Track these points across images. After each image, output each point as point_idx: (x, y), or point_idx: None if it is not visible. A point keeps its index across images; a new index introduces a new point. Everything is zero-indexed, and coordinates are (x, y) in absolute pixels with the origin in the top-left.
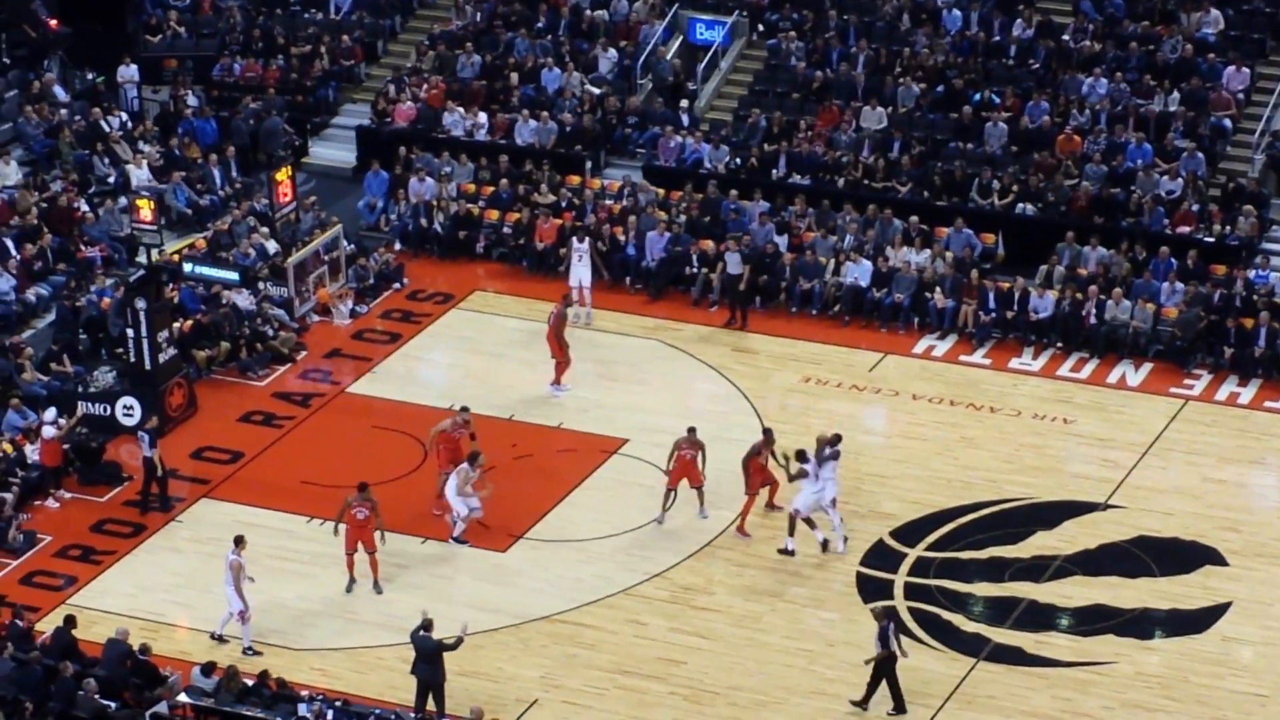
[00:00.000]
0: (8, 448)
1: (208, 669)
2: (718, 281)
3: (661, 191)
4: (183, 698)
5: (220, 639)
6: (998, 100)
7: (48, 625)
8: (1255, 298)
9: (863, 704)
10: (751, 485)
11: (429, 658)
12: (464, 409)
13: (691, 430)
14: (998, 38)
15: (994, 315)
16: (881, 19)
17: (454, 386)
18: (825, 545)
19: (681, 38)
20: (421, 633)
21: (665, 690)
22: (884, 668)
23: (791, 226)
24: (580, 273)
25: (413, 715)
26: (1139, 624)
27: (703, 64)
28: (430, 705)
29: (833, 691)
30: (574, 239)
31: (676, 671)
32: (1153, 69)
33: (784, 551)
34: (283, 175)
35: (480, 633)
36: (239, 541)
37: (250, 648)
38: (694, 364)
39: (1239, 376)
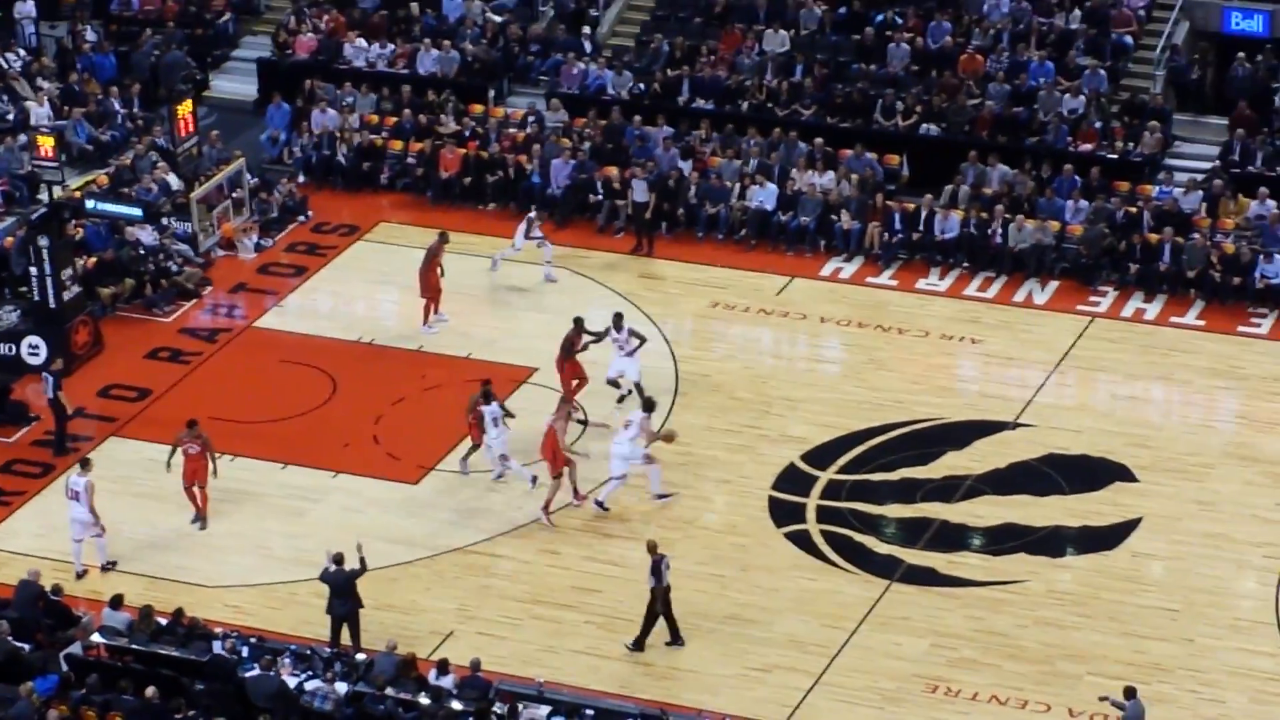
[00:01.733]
0: None
1: (116, 601)
2: (625, 209)
3: (566, 117)
4: (96, 638)
5: (112, 565)
6: (900, 21)
7: None
8: (1159, 213)
9: (638, 645)
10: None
11: (342, 591)
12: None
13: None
14: None
15: (900, 236)
16: None
17: (361, 319)
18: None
19: None
20: (333, 568)
21: (580, 619)
22: (659, 603)
23: (696, 151)
24: (623, 365)
25: (328, 650)
26: (1050, 542)
27: None
28: (345, 640)
29: (747, 616)
30: (612, 329)
31: (590, 600)
32: None
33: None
34: (184, 109)
35: (393, 565)
36: (85, 464)
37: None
38: (601, 291)
39: (1144, 293)
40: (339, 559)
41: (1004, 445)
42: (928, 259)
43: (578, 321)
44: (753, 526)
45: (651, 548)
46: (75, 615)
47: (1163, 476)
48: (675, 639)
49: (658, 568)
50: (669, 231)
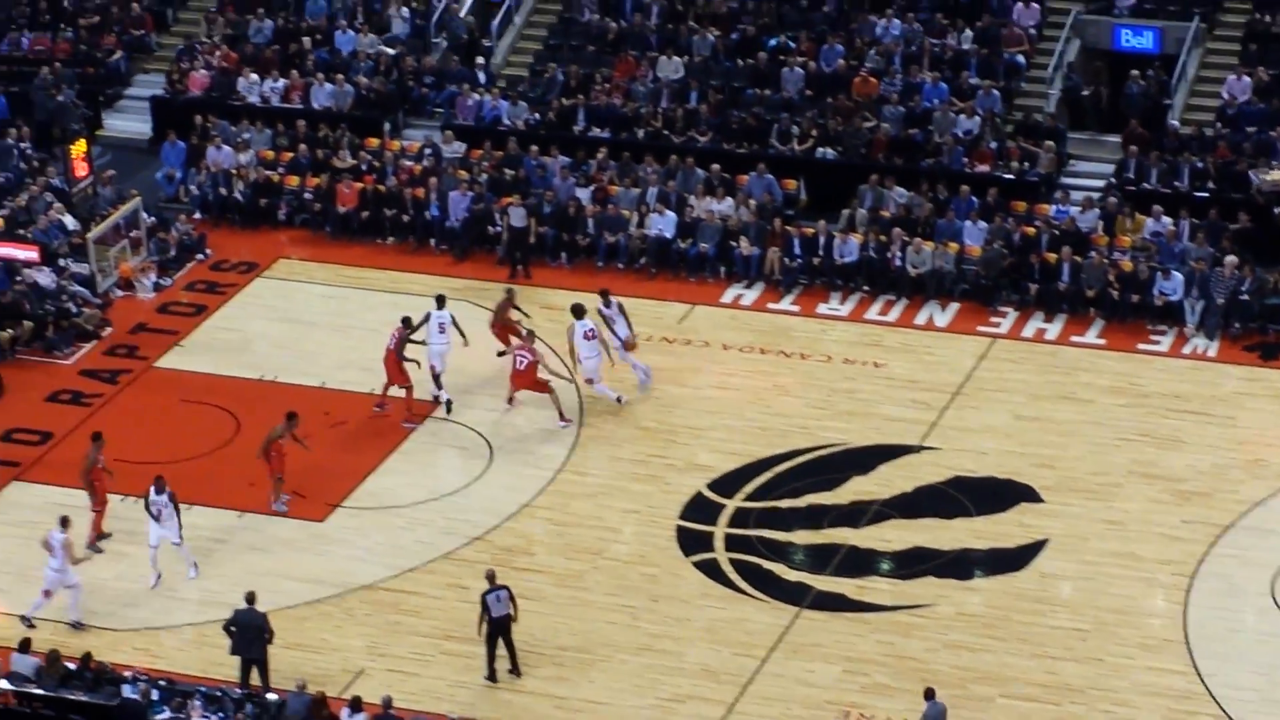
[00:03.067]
0: None
1: (24, 645)
2: (501, 234)
3: (463, 149)
4: (3, 684)
5: (30, 623)
6: (793, 46)
7: None
8: (1056, 232)
9: (491, 676)
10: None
11: (255, 632)
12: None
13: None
14: None
15: (800, 261)
16: None
17: (263, 356)
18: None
19: None
20: (246, 607)
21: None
22: (493, 631)
23: (594, 180)
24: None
25: (238, 691)
26: (958, 564)
27: (497, 20)
28: (255, 680)
29: (659, 648)
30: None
31: None
32: (945, 7)
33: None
34: (78, 149)
35: (302, 604)
36: (65, 522)
37: (79, 621)
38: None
39: (1045, 312)
40: (251, 597)
41: (909, 469)
42: (828, 283)
43: (406, 321)
44: (661, 556)
45: (489, 577)
46: None
47: (1069, 496)
48: (514, 669)
49: (484, 600)
50: (569, 261)
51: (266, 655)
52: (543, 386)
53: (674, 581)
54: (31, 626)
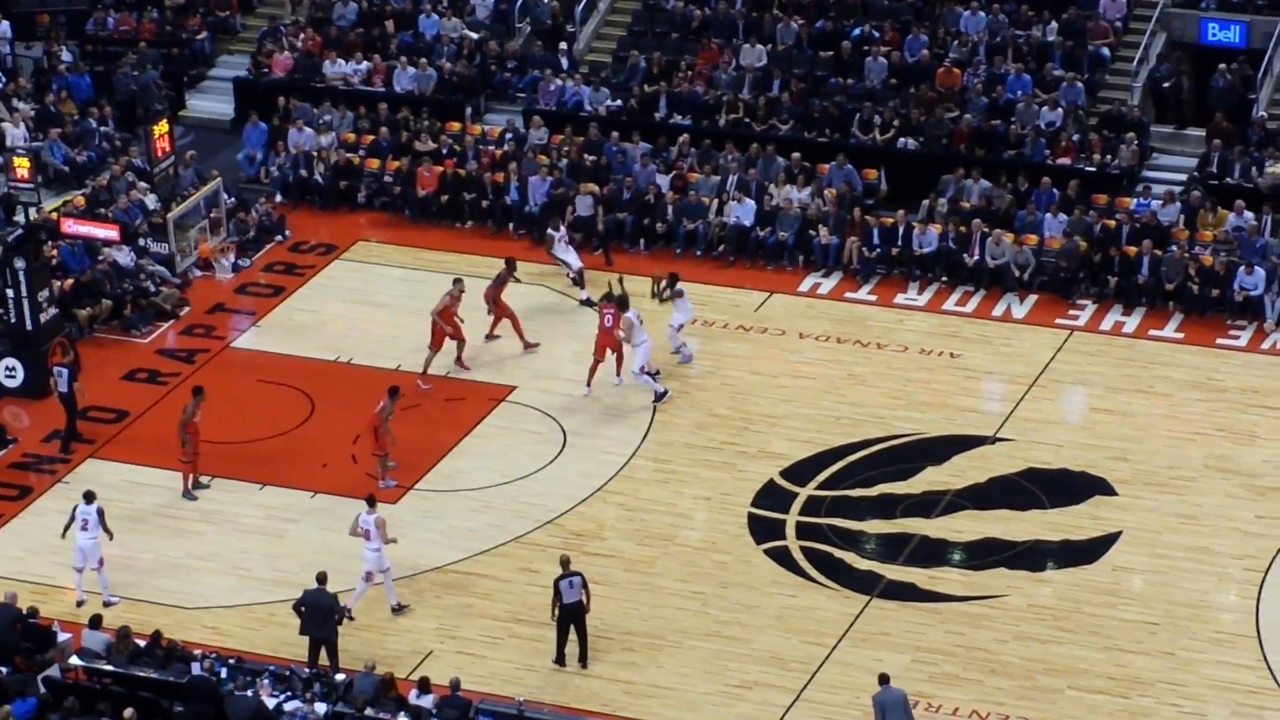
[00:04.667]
0: None
1: (95, 621)
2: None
3: (545, 134)
4: (74, 660)
5: (349, 615)
6: (877, 35)
7: None
8: (1137, 226)
9: (559, 660)
10: (497, 314)
11: (324, 613)
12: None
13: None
14: None
15: (878, 251)
16: None
17: (338, 338)
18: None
19: None
20: (317, 588)
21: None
22: (564, 618)
23: (674, 167)
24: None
25: (306, 670)
26: (1030, 556)
27: (581, 5)
28: (324, 660)
29: (728, 634)
30: (550, 230)
31: None
32: None
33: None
34: (160, 130)
35: (373, 586)
36: (371, 502)
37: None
38: (580, 308)
39: (1123, 306)
40: (322, 578)
41: (983, 460)
42: (906, 274)
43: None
44: (733, 543)
45: (563, 563)
46: (53, 638)
47: (1143, 490)
48: (583, 659)
49: (557, 585)
50: (648, 248)
51: (336, 636)
52: (619, 345)
53: (744, 568)
54: (351, 619)
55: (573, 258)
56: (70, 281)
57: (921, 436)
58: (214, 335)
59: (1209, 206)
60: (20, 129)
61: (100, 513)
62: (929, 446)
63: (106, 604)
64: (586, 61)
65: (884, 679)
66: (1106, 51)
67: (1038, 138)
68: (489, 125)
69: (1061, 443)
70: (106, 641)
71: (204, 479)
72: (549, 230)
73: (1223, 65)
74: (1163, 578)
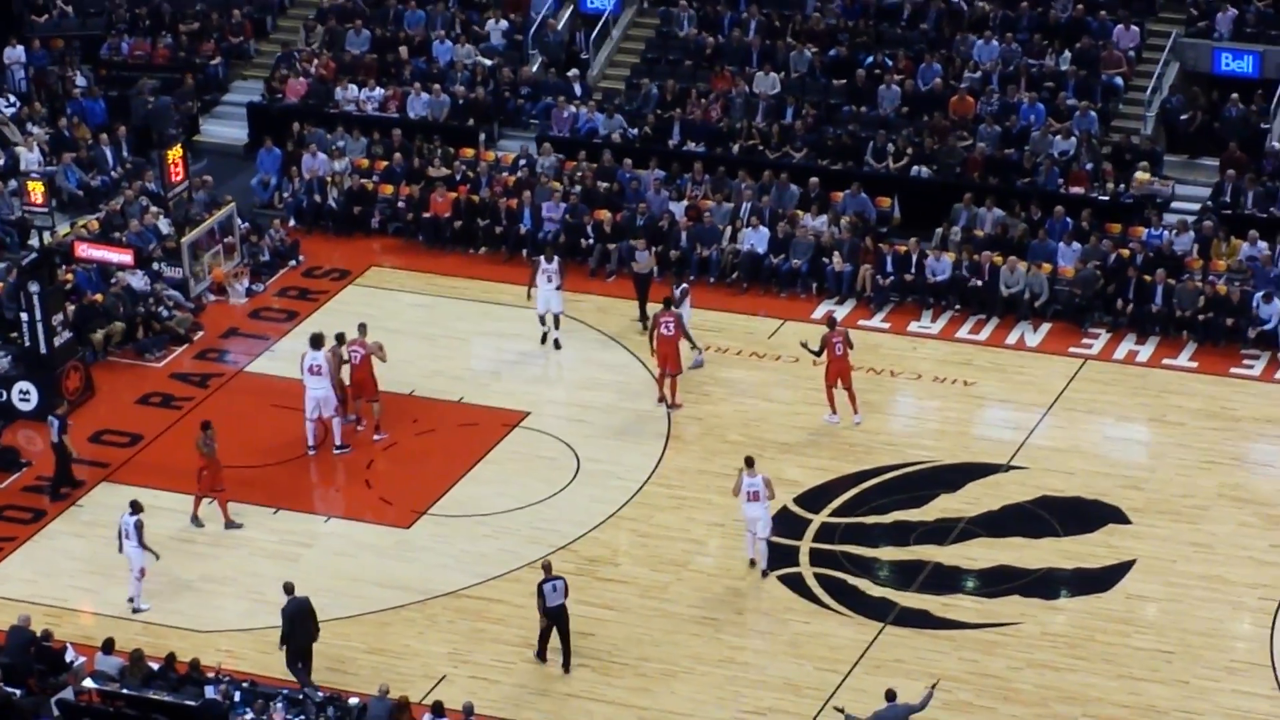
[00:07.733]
0: None
1: (108, 645)
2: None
3: (558, 161)
4: (88, 683)
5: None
6: (890, 63)
7: None
8: (1151, 255)
9: (540, 655)
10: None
11: (310, 614)
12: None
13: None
14: (889, 0)
15: (892, 278)
16: None
17: None
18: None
19: (572, 7)
20: (290, 597)
21: (574, 662)
22: (554, 621)
23: (687, 194)
24: (549, 297)
25: (320, 694)
26: (1044, 584)
27: (594, 33)
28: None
29: (741, 660)
30: (541, 258)
31: (584, 643)
32: (1044, 28)
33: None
34: (174, 154)
35: (386, 610)
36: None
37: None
38: (593, 335)
39: (1137, 334)
40: (289, 587)
41: (997, 487)
42: (919, 301)
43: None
44: (746, 570)
45: (545, 567)
46: (67, 661)
47: (1156, 518)
48: (565, 664)
49: (540, 589)
50: (661, 275)
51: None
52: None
53: (758, 595)
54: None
55: (547, 298)
56: (73, 308)
57: (935, 464)
58: (227, 359)
59: (1223, 236)
60: (35, 153)
61: (139, 526)
62: (943, 474)
63: (136, 611)
64: (600, 89)
65: (890, 695)
66: (1120, 81)
67: (1051, 166)
68: (502, 151)
69: (1075, 470)
70: (120, 664)
71: (236, 519)
72: (539, 259)
73: (1235, 95)
74: (1177, 606)
